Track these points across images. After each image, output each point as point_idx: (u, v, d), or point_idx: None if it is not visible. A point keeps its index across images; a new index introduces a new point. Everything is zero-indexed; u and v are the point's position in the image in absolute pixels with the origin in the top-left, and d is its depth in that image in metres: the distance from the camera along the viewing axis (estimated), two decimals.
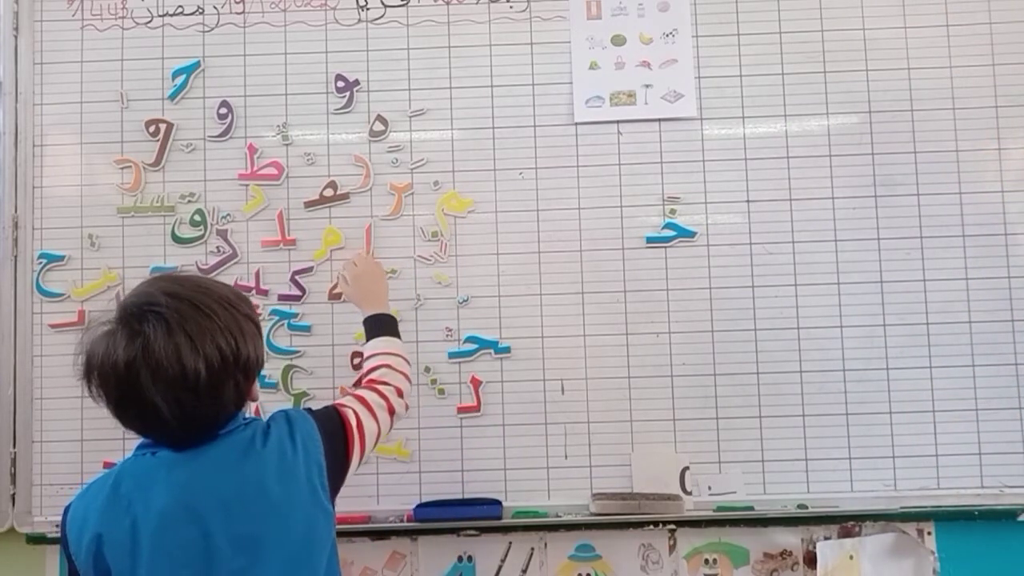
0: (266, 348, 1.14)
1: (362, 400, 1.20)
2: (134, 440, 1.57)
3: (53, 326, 1.61)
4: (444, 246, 1.61)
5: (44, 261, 1.62)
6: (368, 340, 1.37)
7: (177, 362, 0.95)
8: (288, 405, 1.57)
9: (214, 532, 0.97)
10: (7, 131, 1.63)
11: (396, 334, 1.39)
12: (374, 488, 1.58)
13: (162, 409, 0.95)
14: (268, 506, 0.99)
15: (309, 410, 1.13)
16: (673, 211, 1.61)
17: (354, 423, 1.14)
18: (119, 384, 0.96)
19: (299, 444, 1.05)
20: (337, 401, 1.19)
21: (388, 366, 1.29)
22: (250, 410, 1.10)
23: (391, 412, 1.22)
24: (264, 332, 1.15)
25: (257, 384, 1.07)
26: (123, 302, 1.00)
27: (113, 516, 0.98)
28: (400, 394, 1.25)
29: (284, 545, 0.99)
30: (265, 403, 1.57)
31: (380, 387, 1.24)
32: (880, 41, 1.62)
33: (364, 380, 1.27)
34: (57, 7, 1.66)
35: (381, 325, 1.38)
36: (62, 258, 1.62)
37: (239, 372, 1.00)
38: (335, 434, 1.11)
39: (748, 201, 1.60)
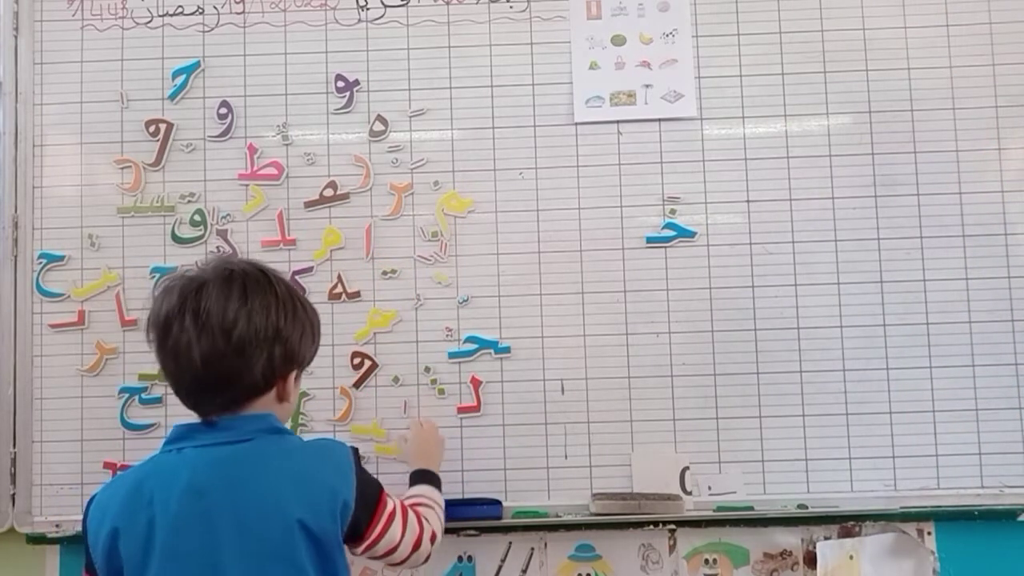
0: (310, 349, 1.14)
1: (403, 509, 1.14)
2: (134, 439, 1.59)
3: (53, 326, 1.61)
4: (444, 246, 1.61)
5: (44, 261, 1.62)
6: (413, 485, 1.34)
7: (223, 308, 1.00)
8: None
9: (224, 545, 0.97)
10: (7, 131, 1.63)
11: (440, 491, 1.35)
12: None
13: (194, 350, 0.98)
14: (284, 529, 0.98)
15: (356, 452, 1.12)
16: (673, 211, 1.61)
17: (390, 510, 1.10)
18: (168, 318, 1.00)
19: (329, 473, 1.04)
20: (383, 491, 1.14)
21: (431, 508, 1.24)
22: (282, 413, 1.09)
23: (416, 545, 1.14)
24: (318, 342, 1.16)
25: (292, 385, 1.07)
26: (185, 274, 1.06)
27: (132, 512, 0.98)
28: (433, 538, 1.18)
29: (278, 562, 0.98)
30: None
31: (422, 518, 1.17)
32: (880, 41, 1.62)
33: (409, 502, 1.21)
34: (57, 7, 1.66)
35: (430, 478, 1.36)
36: (62, 258, 1.62)
37: (278, 347, 1.02)
38: (367, 499, 1.07)
39: (748, 201, 1.60)
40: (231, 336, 0.99)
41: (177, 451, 1.02)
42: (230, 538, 0.97)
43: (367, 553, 1.10)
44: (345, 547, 1.06)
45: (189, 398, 1.04)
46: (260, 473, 1.00)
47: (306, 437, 1.10)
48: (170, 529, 0.97)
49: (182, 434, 1.04)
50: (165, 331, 1.01)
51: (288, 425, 1.14)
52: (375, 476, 1.15)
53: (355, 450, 1.11)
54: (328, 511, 1.00)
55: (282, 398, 1.07)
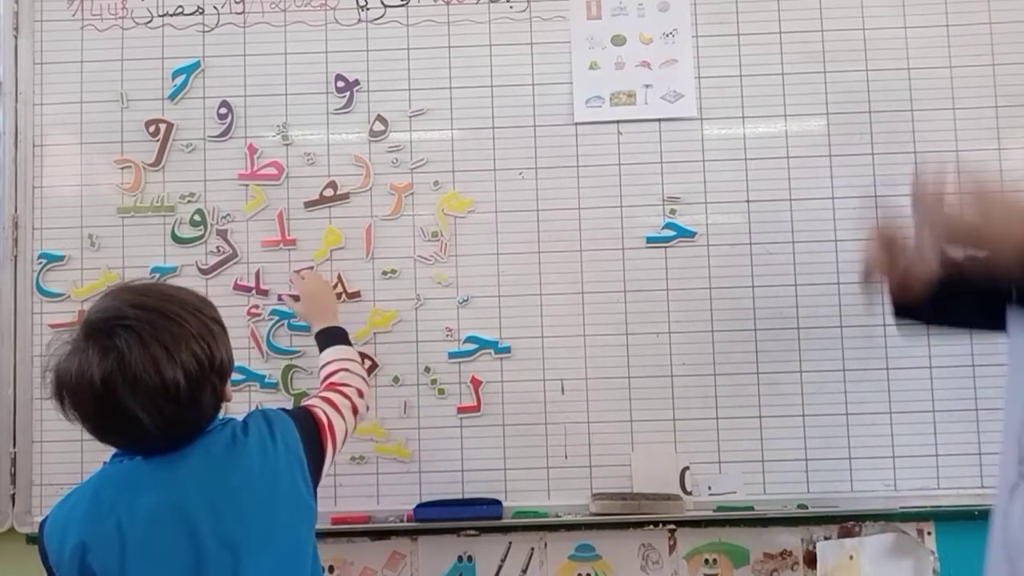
0: (231, 349, 1.08)
1: (328, 401, 1.21)
2: None
3: (53, 326, 1.61)
4: (444, 246, 1.61)
5: (44, 261, 1.62)
6: (321, 351, 1.40)
7: (156, 373, 0.93)
8: (288, 405, 1.58)
9: (202, 531, 0.97)
10: (7, 131, 1.63)
11: (348, 344, 1.41)
12: (374, 488, 1.58)
13: (144, 421, 0.93)
14: (254, 502, 1.00)
15: (284, 410, 1.14)
16: (673, 211, 1.61)
17: (325, 422, 1.16)
18: (97, 401, 0.93)
19: (279, 440, 1.06)
20: (304, 402, 1.21)
21: (346, 370, 1.31)
22: (225, 411, 1.08)
23: (354, 411, 1.24)
24: (228, 331, 1.08)
25: (230, 385, 1.06)
26: (88, 318, 0.96)
27: (96, 521, 0.96)
28: (360, 394, 1.27)
29: (272, 540, 1.00)
30: (265, 403, 1.57)
31: (342, 388, 1.26)
32: (880, 41, 1.62)
33: (325, 384, 1.29)
34: (57, 7, 1.66)
35: (334, 337, 1.41)
36: (62, 258, 1.62)
37: (215, 376, 1.00)
38: (310, 432, 1.13)
39: (748, 201, 1.60)
40: (179, 395, 0.95)
41: (129, 459, 1.00)
42: (207, 523, 0.97)
43: (336, 454, 1.17)
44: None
45: (141, 451, 1.00)
46: (221, 458, 1.01)
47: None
48: (143, 528, 0.96)
49: None
50: (98, 409, 0.94)
51: None
52: (298, 408, 1.18)
53: (284, 412, 1.13)
54: (288, 473, 1.04)
55: (224, 400, 1.05)
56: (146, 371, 0.93)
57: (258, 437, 1.05)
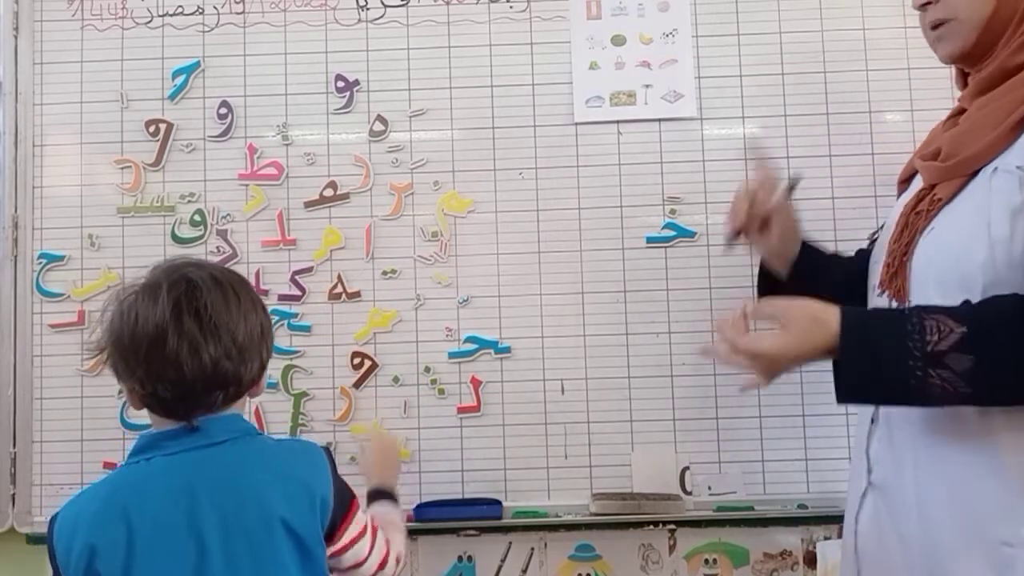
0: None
1: (373, 528, 1.10)
2: (134, 439, 1.58)
3: (53, 326, 1.61)
4: (444, 246, 1.61)
5: (44, 261, 1.62)
6: (370, 503, 1.29)
7: (224, 305, 0.98)
8: (288, 405, 1.58)
9: (210, 548, 0.95)
10: (7, 131, 1.63)
11: (397, 505, 1.31)
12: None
13: (186, 367, 0.94)
14: (267, 529, 0.97)
15: (328, 452, 1.09)
16: (673, 211, 1.61)
17: (359, 521, 1.07)
18: (157, 329, 0.95)
19: (305, 471, 1.02)
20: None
21: (398, 530, 1.18)
22: (248, 408, 1.08)
23: (382, 566, 1.11)
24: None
25: (264, 381, 1.07)
26: (162, 267, 1.01)
27: (107, 525, 0.95)
28: (398, 560, 1.14)
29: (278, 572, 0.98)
30: (265, 403, 1.57)
31: (389, 537, 1.13)
32: (880, 41, 1.62)
33: (375, 522, 1.16)
34: (57, 7, 1.66)
35: (390, 497, 1.30)
36: (62, 258, 1.62)
37: (264, 345, 1.02)
38: (342, 501, 1.04)
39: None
40: (236, 338, 0.98)
41: (146, 461, 0.99)
42: (216, 543, 0.95)
43: (333, 561, 1.07)
44: None
45: (183, 404, 0.99)
46: (241, 475, 0.98)
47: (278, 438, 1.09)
48: (151, 539, 0.94)
49: (148, 444, 1.01)
50: (158, 339, 0.96)
51: (289, 424, 1.14)
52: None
53: (327, 450, 1.09)
54: (307, 508, 0.99)
55: (254, 394, 1.06)
56: (215, 304, 0.97)
57: (287, 462, 1.02)
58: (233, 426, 1.02)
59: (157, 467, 0.98)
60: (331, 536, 1.03)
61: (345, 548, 1.06)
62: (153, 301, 0.96)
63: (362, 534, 1.07)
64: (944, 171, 1.02)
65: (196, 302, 0.96)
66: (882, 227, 1.19)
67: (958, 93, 1.17)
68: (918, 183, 1.10)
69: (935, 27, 1.08)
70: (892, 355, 0.91)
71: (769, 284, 1.31)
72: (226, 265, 1.59)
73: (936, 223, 1.01)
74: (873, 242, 1.23)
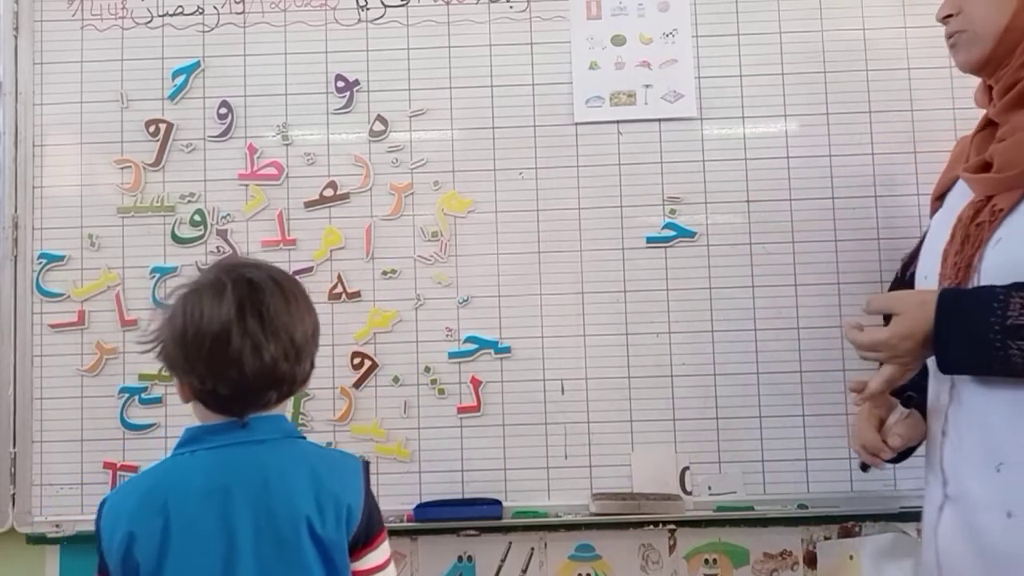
0: None
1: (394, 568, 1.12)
2: (134, 439, 1.59)
3: (53, 326, 1.61)
4: (444, 246, 1.61)
5: (44, 261, 1.62)
6: None
7: (285, 307, 1.01)
8: (288, 404, 1.58)
9: (240, 546, 0.97)
10: (7, 131, 1.63)
11: None
12: (374, 488, 1.56)
13: (247, 366, 0.97)
14: (295, 532, 0.98)
15: (366, 467, 1.10)
16: (673, 211, 1.61)
17: (386, 551, 1.08)
18: (222, 327, 0.97)
19: (338, 480, 1.03)
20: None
21: None
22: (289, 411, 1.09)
23: None
24: None
25: (308, 382, 1.09)
26: (222, 265, 1.05)
27: (146, 515, 0.98)
28: None
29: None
30: None
31: None
32: (880, 41, 1.62)
33: None
34: (57, 7, 1.66)
35: None
36: (62, 258, 1.62)
37: (315, 348, 1.06)
38: (371, 521, 1.05)
39: (748, 201, 1.60)
40: (295, 338, 1.01)
41: (190, 454, 1.02)
42: (246, 540, 0.97)
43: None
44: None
45: (240, 401, 1.02)
46: (276, 476, 1.00)
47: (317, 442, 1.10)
48: (185, 532, 0.97)
49: (194, 437, 1.04)
50: (222, 338, 0.98)
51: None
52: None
53: (366, 465, 1.10)
54: (334, 516, 1.00)
55: (299, 389, 1.09)
56: (277, 306, 1.00)
57: (325, 469, 1.03)
58: (276, 427, 1.05)
59: (198, 461, 1.01)
60: (353, 553, 1.04)
61: (366, 573, 1.06)
62: (218, 300, 0.99)
63: (384, 566, 1.08)
64: (1002, 182, 1.05)
65: (259, 303, 0.99)
66: (916, 250, 1.22)
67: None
68: (959, 197, 1.13)
69: (951, 36, 1.13)
70: (976, 328, 0.97)
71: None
72: None
73: (1001, 233, 1.03)
74: (905, 268, 1.25)
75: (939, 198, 1.21)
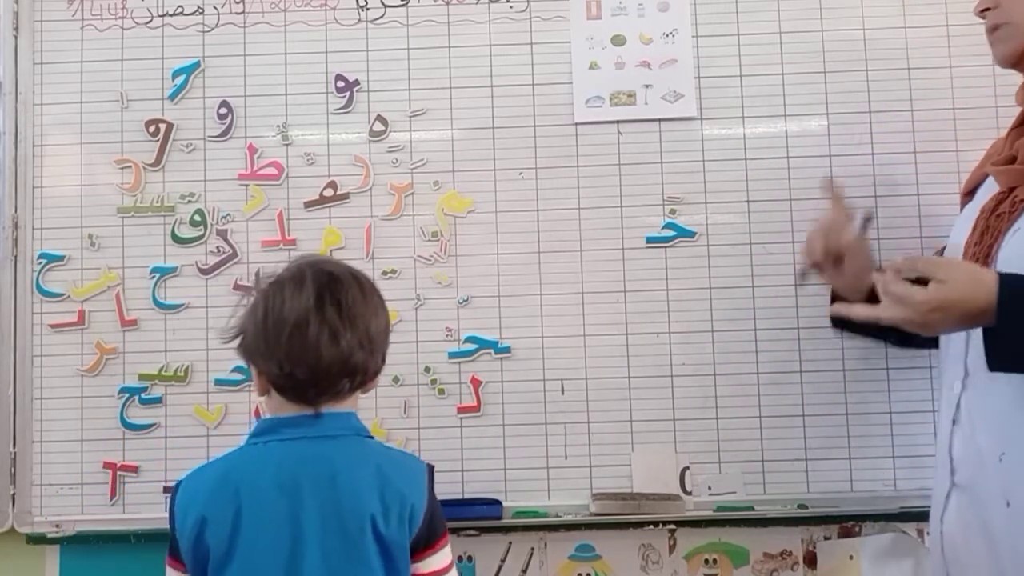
0: None
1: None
2: (134, 439, 1.59)
3: (53, 326, 1.61)
4: (444, 246, 1.61)
5: (44, 261, 1.62)
6: None
7: (362, 298, 1.06)
8: None
9: (307, 540, 0.99)
10: (7, 131, 1.63)
11: None
12: None
13: (323, 355, 1.01)
14: (360, 529, 1.00)
15: (431, 470, 1.10)
16: (673, 211, 1.61)
17: (448, 555, 1.09)
18: (303, 312, 1.02)
19: (403, 480, 1.05)
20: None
21: None
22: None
23: None
24: None
25: (378, 378, 1.12)
26: (304, 261, 1.10)
27: (220, 501, 1.01)
28: None
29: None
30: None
31: None
32: (880, 41, 1.62)
33: None
34: (57, 7, 1.66)
35: None
36: (62, 258, 1.62)
37: (387, 343, 1.10)
38: (434, 523, 1.07)
39: (748, 201, 1.60)
40: (370, 330, 1.05)
41: (263, 444, 1.05)
42: (313, 534, 1.00)
43: None
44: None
45: (314, 388, 1.05)
46: (345, 472, 1.03)
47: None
48: (256, 521, 1.00)
49: (268, 427, 1.07)
50: (301, 324, 1.02)
51: None
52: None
53: (430, 468, 1.11)
54: (397, 516, 1.02)
55: (369, 388, 1.12)
56: (355, 297, 1.05)
57: (393, 472, 1.05)
58: (347, 424, 1.08)
59: (271, 452, 1.04)
60: (415, 554, 1.05)
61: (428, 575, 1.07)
62: (299, 289, 1.04)
63: (447, 570, 1.09)
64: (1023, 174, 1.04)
65: (337, 293, 1.04)
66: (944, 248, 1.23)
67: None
68: (987, 192, 1.12)
69: (992, 31, 1.13)
70: None
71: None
72: (225, 265, 1.61)
73: (1021, 223, 1.02)
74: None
75: (969, 193, 1.20)
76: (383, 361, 1.11)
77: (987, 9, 1.12)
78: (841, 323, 1.33)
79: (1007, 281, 0.96)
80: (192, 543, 1.02)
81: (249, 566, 1.00)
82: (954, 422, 1.08)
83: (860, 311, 1.07)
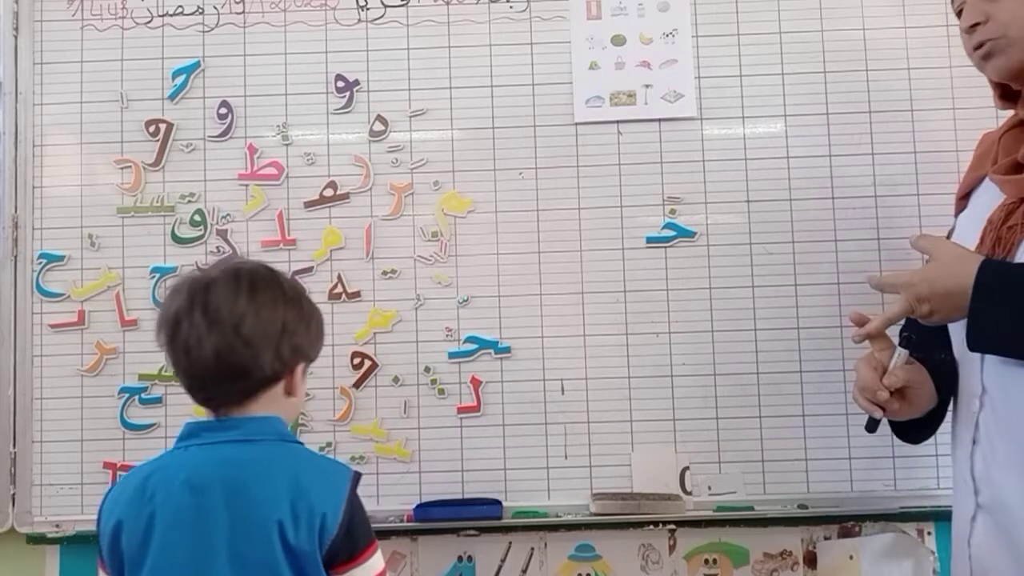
0: (318, 351, 1.16)
1: None
2: (134, 439, 1.59)
3: (53, 326, 1.61)
4: (444, 246, 1.61)
5: (44, 261, 1.62)
6: None
7: (233, 299, 1.03)
8: None
9: (215, 545, 0.98)
10: (7, 131, 1.63)
11: None
12: (374, 488, 1.58)
13: (201, 345, 1.01)
14: (267, 535, 0.98)
15: (354, 481, 1.06)
16: (673, 211, 1.61)
17: (376, 570, 1.05)
18: (179, 316, 1.03)
19: (317, 488, 1.01)
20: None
21: None
22: (289, 411, 1.09)
23: None
24: (323, 339, 1.17)
25: (300, 380, 1.09)
26: (207, 267, 1.12)
27: (136, 506, 1.01)
28: None
29: None
30: None
31: None
32: (880, 41, 1.62)
33: None
34: (57, 7, 1.66)
35: None
36: (62, 258, 1.62)
37: (285, 340, 1.05)
38: (353, 536, 1.02)
39: (748, 201, 1.60)
40: (240, 329, 1.02)
41: (184, 448, 1.04)
42: (222, 540, 0.98)
43: None
44: None
45: (201, 392, 1.06)
46: (257, 478, 1.00)
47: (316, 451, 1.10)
48: (167, 525, 0.99)
49: (191, 432, 1.06)
50: (175, 328, 1.03)
51: (289, 424, 1.12)
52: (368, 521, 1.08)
53: (356, 477, 1.06)
54: (306, 525, 0.99)
55: (289, 392, 1.08)
56: (225, 298, 1.02)
57: (308, 480, 1.01)
58: (268, 429, 1.05)
59: (189, 457, 1.03)
60: (334, 567, 1.02)
61: None
62: (176, 294, 1.05)
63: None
64: None
65: (206, 295, 1.02)
66: None
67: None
68: (986, 197, 1.11)
69: (981, 46, 1.09)
70: (1021, 304, 0.94)
71: (904, 425, 1.26)
72: None
73: None
74: None
75: (964, 197, 1.18)
76: (281, 363, 1.05)
77: (976, 24, 1.08)
78: (903, 433, 1.28)
79: (988, 263, 0.99)
80: (109, 547, 1.02)
81: (159, 571, 0.98)
82: (974, 441, 1.07)
83: (875, 324, 1.09)
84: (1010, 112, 1.17)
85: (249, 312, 1.02)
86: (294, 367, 1.08)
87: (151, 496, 1.00)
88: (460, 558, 1.60)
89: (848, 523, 1.57)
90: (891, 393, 1.10)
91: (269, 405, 1.06)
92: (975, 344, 1.00)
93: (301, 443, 1.10)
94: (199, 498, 0.99)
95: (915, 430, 1.24)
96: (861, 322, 1.12)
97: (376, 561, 1.06)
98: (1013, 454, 1.01)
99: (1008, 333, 0.97)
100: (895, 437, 1.29)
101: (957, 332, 1.11)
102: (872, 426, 1.16)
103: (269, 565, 0.98)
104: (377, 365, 1.59)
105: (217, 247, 1.62)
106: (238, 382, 1.04)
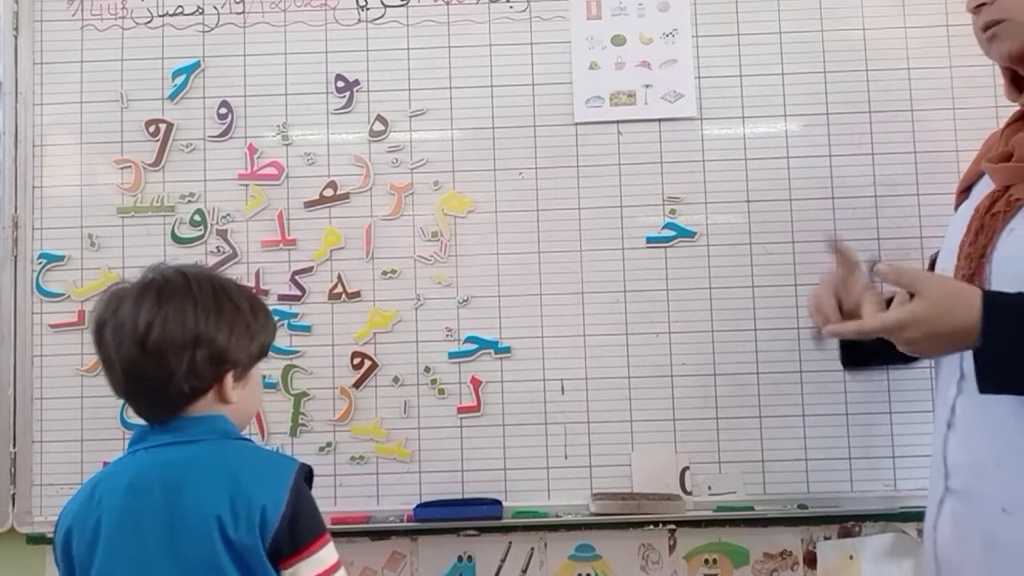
0: (248, 350, 1.05)
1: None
2: None
3: (53, 326, 1.61)
4: (444, 246, 1.61)
5: (44, 261, 1.62)
6: None
7: (137, 312, 0.99)
8: (288, 405, 1.58)
9: (154, 546, 0.97)
10: (7, 131, 1.63)
11: None
12: (374, 488, 1.58)
13: (116, 363, 1.00)
14: (208, 533, 0.96)
15: (306, 473, 1.03)
16: (673, 211, 1.61)
17: (328, 563, 1.00)
18: (95, 331, 1.03)
19: (257, 481, 0.99)
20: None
21: None
22: (233, 415, 1.05)
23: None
24: (263, 336, 1.08)
25: (231, 387, 1.03)
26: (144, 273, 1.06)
27: (85, 511, 1.00)
28: None
29: None
30: (265, 403, 1.57)
31: None
32: (880, 41, 1.62)
33: None
34: (57, 7, 1.66)
35: None
36: (62, 258, 1.62)
37: (200, 350, 0.99)
38: (297, 528, 0.98)
39: (748, 201, 1.60)
40: (145, 344, 0.98)
41: (132, 453, 1.03)
42: (163, 539, 0.97)
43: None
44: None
45: (131, 400, 1.05)
46: (195, 477, 0.99)
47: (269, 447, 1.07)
48: (112, 529, 0.98)
49: (139, 436, 1.04)
50: (98, 340, 1.03)
51: (289, 424, 1.11)
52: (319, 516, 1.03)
53: (306, 471, 1.02)
54: (246, 519, 0.96)
55: (223, 400, 1.03)
56: (131, 311, 0.99)
57: (247, 474, 0.99)
58: (211, 427, 1.03)
59: (135, 460, 1.02)
60: (281, 562, 0.98)
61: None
62: (100, 304, 1.04)
63: (328, 574, 1.00)
64: (1020, 172, 1.01)
65: (117, 306, 1.01)
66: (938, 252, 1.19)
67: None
68: (982, 190, 1.10)
69: (988, 27, 1.08)
70: None
71: (852, 351, 1.26)
72: (225, 265, 1.60)
73: (1015, 223, 1.00)
74: (932, 263, 1.21)
75: (964, 191, 1.18)
76: (194, 373, 0.99)
77: (981, 5, 1.07)
78: (852, 362, 1.29)
79: (991, 298, 0.93)
80: (62, 554, 1.02)
81: (105, 575, 0.98)
82: (949, 426, 1.06)
83: (850, 327, 1.02)
84: (1015, 108, 1.17)
85: (155, 324, 0.98)
86: (220, 376, 1.02)
87: (98, 502, 1.00)
88: (460, 558, 1.60)
89: (848, 523, 1.57)
90: (843, 316, 1.06)
91: (214, 407, 1.03)
92: (986, 384, 0.94)
93: (247, 439, 1.07)
94: (140, 500, 0.98)
95: (864, 355, 1.23)
96: (823, 319, 1.06)
97: (326, 554, 1.00)
98: (986, 441, 1.01)
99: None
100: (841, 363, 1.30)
101: None
102: (817, 342, 1.20)
103: (210, 562, 0.96)
104: (377, 365, 1.59)
105: (217, 247, 1.62)
106: (157, 397, 1.01)
